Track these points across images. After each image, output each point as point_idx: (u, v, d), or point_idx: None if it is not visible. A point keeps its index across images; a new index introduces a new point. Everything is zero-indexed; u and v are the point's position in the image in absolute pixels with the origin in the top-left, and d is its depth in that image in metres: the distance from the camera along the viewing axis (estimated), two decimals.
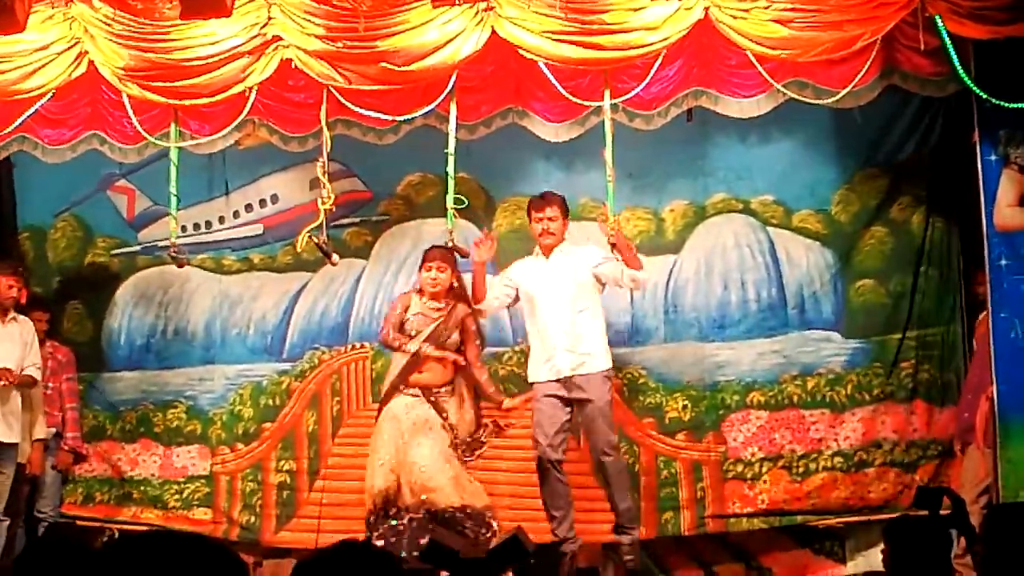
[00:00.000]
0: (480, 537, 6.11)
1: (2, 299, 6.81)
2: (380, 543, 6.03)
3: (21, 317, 6.93)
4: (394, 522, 6.20)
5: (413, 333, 6.39)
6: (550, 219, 6.42)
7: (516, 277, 6.56)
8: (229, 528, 7.50)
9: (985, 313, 6.30)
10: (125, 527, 7.46)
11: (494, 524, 6.23)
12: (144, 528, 7.35)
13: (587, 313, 6.38)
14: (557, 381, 6.32)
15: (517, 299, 6.61)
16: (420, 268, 6.52)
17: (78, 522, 7.50)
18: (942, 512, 4.16)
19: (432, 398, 6.38)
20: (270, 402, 7.60)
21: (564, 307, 6.36)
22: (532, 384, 6.47)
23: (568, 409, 6.33)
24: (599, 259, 6.44)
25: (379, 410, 6.48)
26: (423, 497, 6.18)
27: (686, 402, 7.12)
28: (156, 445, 7.69)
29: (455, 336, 6.44)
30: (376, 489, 6.26)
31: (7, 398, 6.72)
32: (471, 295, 6.49)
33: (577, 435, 6.73)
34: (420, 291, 6.53)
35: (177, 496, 7.63)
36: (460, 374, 6.46)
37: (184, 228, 7.54)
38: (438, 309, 6.45)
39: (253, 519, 7.51)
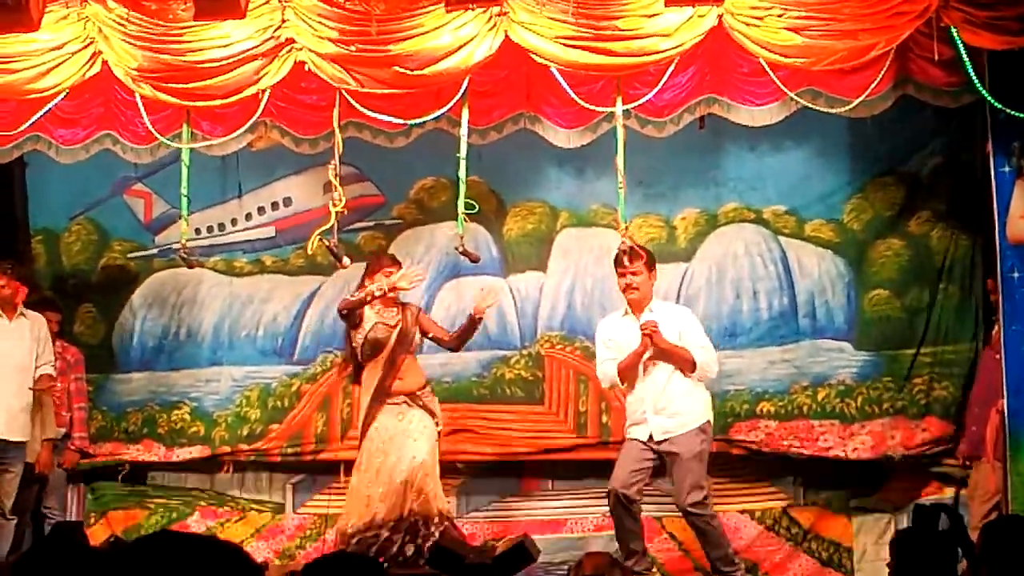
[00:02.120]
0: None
1: None
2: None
3: (32, 313, 6.89)
4: (369, 535, 6.17)
5: (380, 347, 6.35)
6: (634, 274, 6.24)
7: (611, 336, 6.37)
8: None
9: (996, 327, 6.28)
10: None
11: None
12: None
13: (678, 375, 6.21)
14: (647, 442, 6.20)
15: None
16: (373, 275, 6.40)
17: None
18: (940, 528, 4.16)
19: (420, 402, 6.38)
20: (279, 404, 7.62)
21: (654, 371, 6.21)
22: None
23: (654, 457, 6.20)
24: (691, 333, 6.26)
25: (364, 427, 6.38)
26: (418, 503, 6.19)
27: None
28: (158, 445, 7.71)
29: (419, 335, 6.45)
30: (363, 507, 6.24)
31: (20, 396, 6.74)
32: (622, 381, 6.31)
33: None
34: (369, 302, 6.38)
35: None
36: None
37: (198, 230, 7.59)
38: (394, 317, 6.42)
39: None
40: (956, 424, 6.79)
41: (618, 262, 6.30)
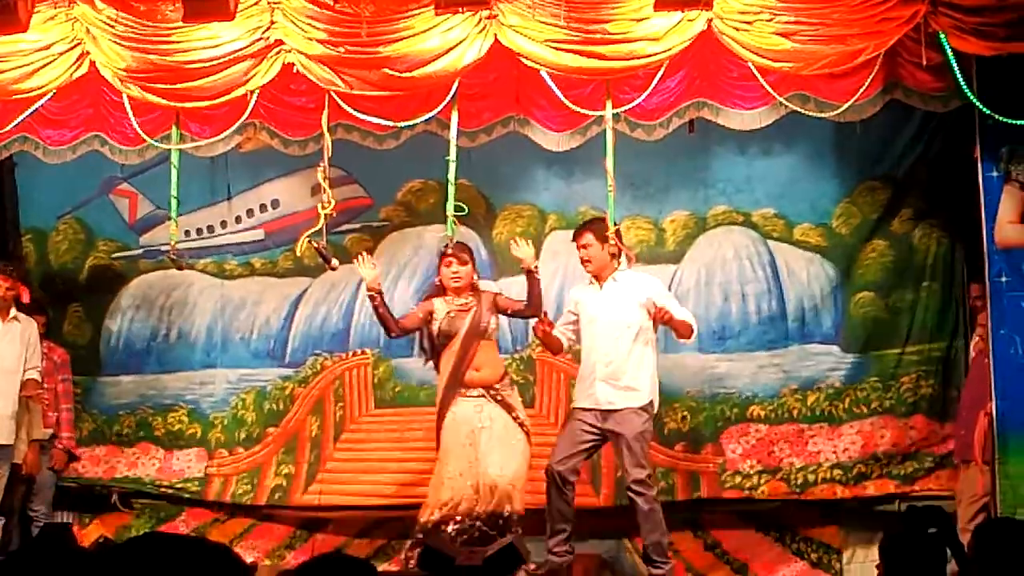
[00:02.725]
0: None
1: None
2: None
3: (24, 317, 6.90)
4: (449, 529, 6.06)
5: (452, 334, 6.24)
6: (585, 247, 6.30)
7: (578, 300, 6.42)
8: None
9: (982, 329, 6.31)
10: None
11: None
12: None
13: (635, 346, 6.18)
14: (592, 411, 6.21)
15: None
16: (439, 267, 6.39)
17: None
18: (930, 531, 4.17)
19: (498, 396, 6.23)
20: (274, 407, 7.62)
21: (610, 338, 6.20)
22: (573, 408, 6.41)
23: (595, 437, 6.23)
24: (650, 294, 6.23)
25: (440, 416, 6.27)
26: (504, 505, 6.06)
27: (685, 413, 7.11)
28: (156, 448, 7.68)
29: (493, 320, 6.30)
30: (442, 500, 6.11)
31: (6, 400, 6.72)
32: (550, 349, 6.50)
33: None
34: (442, 292, 6.37)
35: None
36: None
37: (187, 232, 7.59)
38: (467, 304, 6.31)
39: None
40: (943, 421, 6.85)
41: (574, 236, 6.38)
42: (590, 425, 6.19)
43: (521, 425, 6.25)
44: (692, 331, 6.26)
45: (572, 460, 6.18)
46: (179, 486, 7.59)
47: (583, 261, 6.33)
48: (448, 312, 6.31)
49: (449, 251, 6.36)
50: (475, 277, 6.40)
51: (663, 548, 6.16)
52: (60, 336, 7.68)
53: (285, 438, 7.55)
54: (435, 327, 6.31)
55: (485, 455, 6.12)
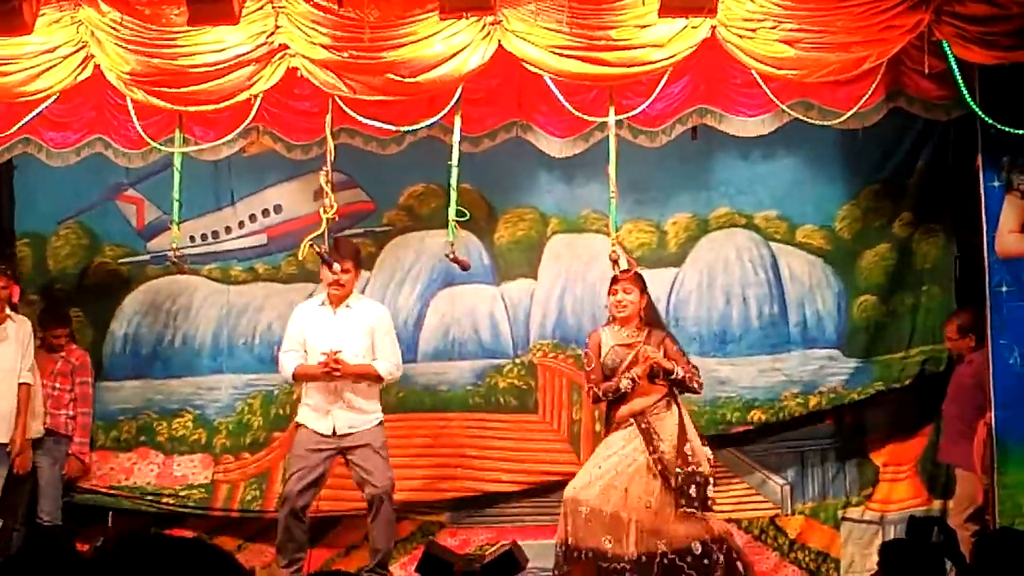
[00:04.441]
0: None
1: None
2: None
3: (18, 316, 6.88)
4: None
5: (615, 370, 5.94)
6: (346, 271, 6.41)
7: (301, 324, 6.57)
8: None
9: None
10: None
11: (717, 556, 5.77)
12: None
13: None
14: (328, 437, 6.35)
15: None
16: (608, 296, 6.16)
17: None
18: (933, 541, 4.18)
19: (644, 423, 5.89)
20: (281, 412, 7.56)
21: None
22: (298, 424, 6.54)
23: (327, 463, 6.40)
24: (381, 334, 6.46)
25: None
26: (647, 544, 5.74)
27: None
28: (156, 453, 7.61)
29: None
30: (568, 527, 5.87)
31: (6, 399, 6.71)
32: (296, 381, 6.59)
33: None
34: (609, 322, 6.12)
35: (172, 500, 7.59)
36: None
37: (192, 238, 7.56)
38: (633, 336, 6.02)
39: None
40: None
41: (325, 260, 6.41)
42: (324, 457, 6.37)
43: (658, 460, 5.82)
44: (380, 381, 6.42)
45: (309, 493, 6.37)
46: (183, 493, 7.54)
47: (336, 284, 6.42)
48: (613, 345, 6.01)
49: (614, 279, 6.13)
50: (644, 309, 6.04)
51: (387, 561, 6.35)
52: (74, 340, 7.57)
53: (291, 443, 7.53)
54: (602, 360, 6.01)
55: (631, 490, 5.81)
